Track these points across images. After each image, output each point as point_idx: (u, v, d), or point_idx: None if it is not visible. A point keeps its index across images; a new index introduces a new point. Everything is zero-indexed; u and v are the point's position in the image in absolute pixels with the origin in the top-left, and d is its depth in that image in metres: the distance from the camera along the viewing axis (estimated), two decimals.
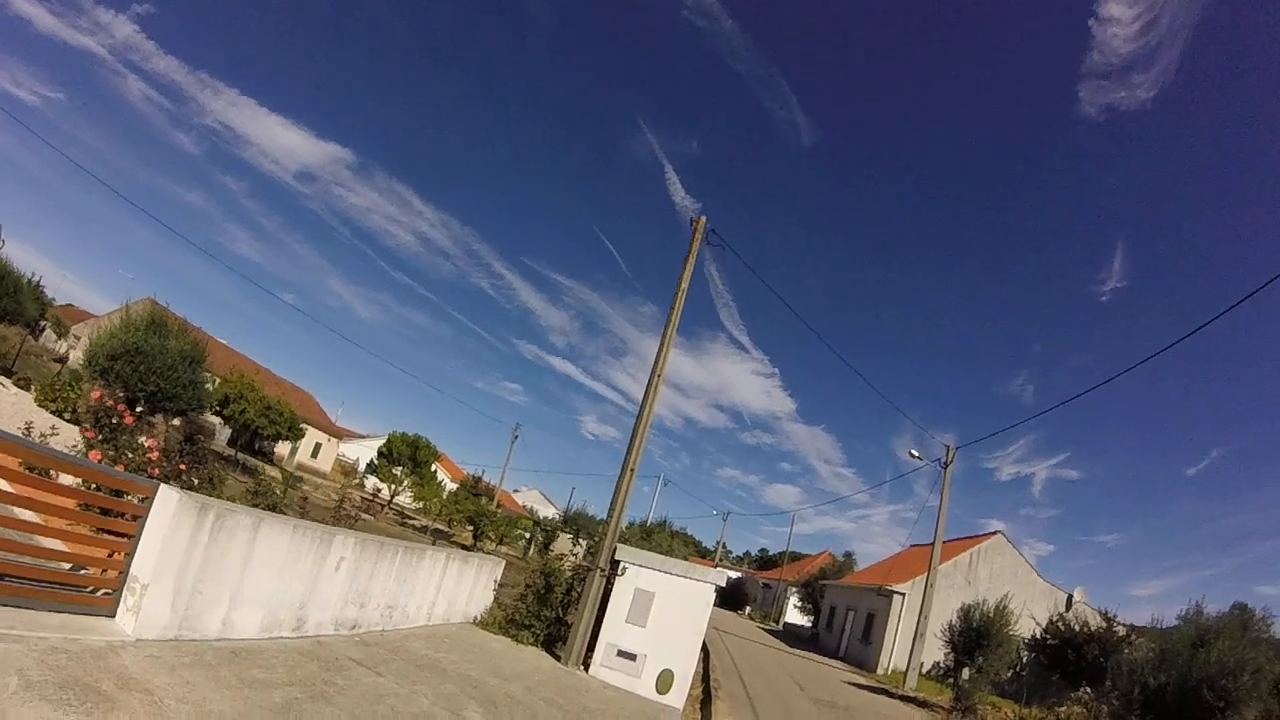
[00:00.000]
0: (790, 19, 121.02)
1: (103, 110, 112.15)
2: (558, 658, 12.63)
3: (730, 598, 56.10)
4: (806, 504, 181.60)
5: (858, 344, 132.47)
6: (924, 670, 24.75)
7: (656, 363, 14.12)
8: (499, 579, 15.03)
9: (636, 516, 37.51)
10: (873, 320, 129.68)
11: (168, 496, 6.33)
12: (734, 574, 66.48)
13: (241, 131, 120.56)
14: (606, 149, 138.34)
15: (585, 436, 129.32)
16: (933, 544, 25.47)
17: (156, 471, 9.02)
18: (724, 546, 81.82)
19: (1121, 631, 21.06)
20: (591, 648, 12.35)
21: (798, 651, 30.43)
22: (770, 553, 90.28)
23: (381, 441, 56.13)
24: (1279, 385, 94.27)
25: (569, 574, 14.01)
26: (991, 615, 19.45)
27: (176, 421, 13.31)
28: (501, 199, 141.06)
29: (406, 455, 52.80)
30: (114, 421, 11.60)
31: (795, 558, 63.38)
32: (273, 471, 45.01)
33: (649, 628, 12.13)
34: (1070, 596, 29.04)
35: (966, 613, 20.45)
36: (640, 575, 12.30)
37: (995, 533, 30.65)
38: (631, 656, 12.07)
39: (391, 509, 51.26)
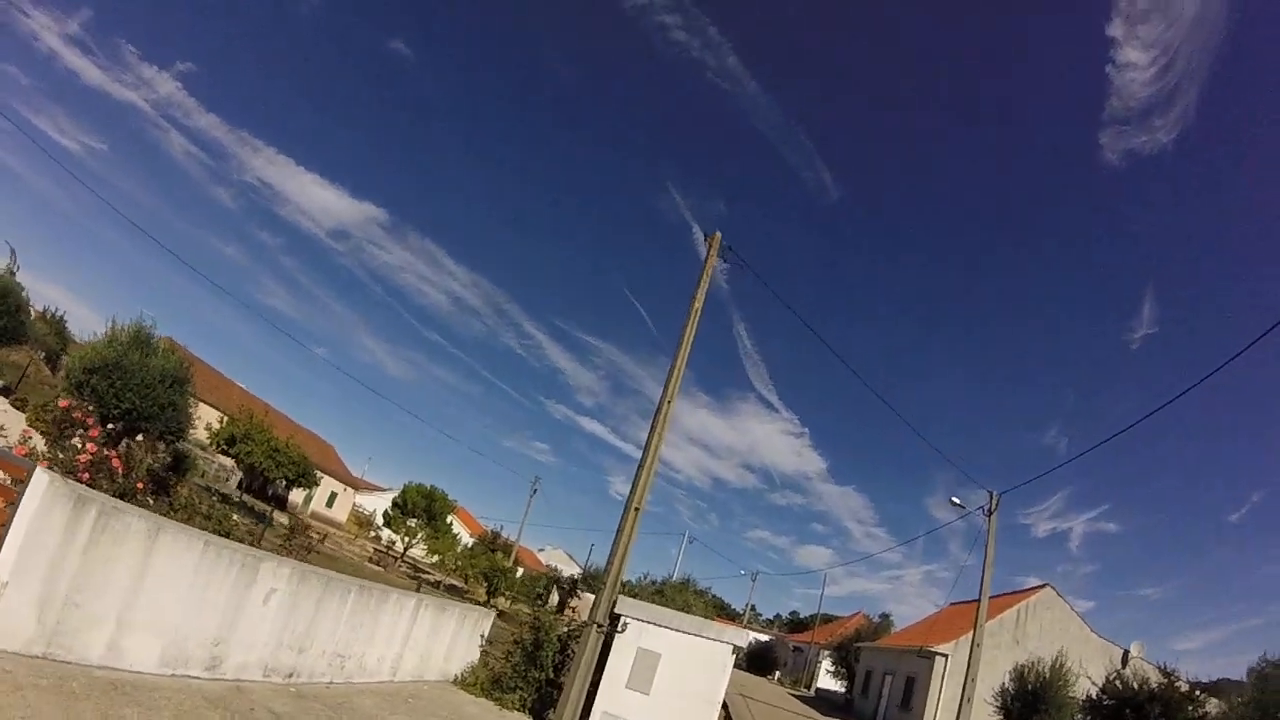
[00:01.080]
0: (812, 79, 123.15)
1: (144, 163, 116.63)
2: None
3: (759, 661, 52.90)
4: (838, 564, 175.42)
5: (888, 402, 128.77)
6: None
7: (666, 388, 12.79)
8: (487, 634, 13.46)
9: (659, 575, 35.52)
10: (902, 377, 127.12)
11: (39, 481, 5.16)
12: (763, 637, 63.05)
13: (279, 189, 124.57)
14: (635, 211, 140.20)
15: (614, 497, 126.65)
16: (978, 600, 23.23)
17: (86, 476, 7.85)
18: (753, 608, 78.31)
19: (1184, 688, 18.80)
20: (587, 716, 10.75)
21: None
22: (801, 615, 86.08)
23: (398, 493, 54.91)
24: None
25: (564, 630, 12.40)
26: (1048, 676, 17.16)
27: (133, 438, 12.26)
28: (532, 260, 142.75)
29: (421, 507, 51.36)
30: (80, 433, 10.60)
31: (827, 619, 59.86)
32: (281, 518, 44.02)
33: (654, 695, 10.46)
34: (1126, 652, 26.32)
35: (1020, 674, 18.16)
36: (645, 633, 10.70)
37: (1043, 586, 28.12)
38: None
39: (405, 562, 49.67)
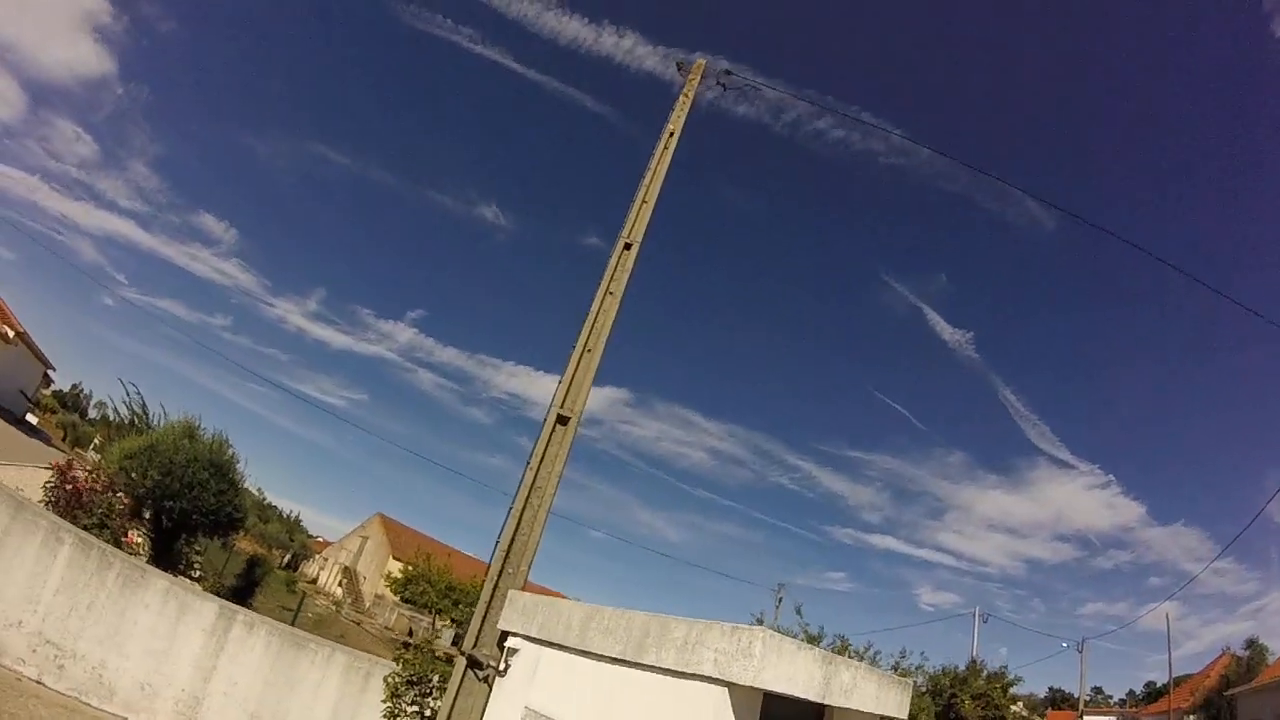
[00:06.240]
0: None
1: (399, 401, 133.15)
2: None
3: None
4: (1188, 614, 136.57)
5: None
6: None
7: (627, 225, 9.02)
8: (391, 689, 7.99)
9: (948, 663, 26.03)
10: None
11: None
12: None
13: (524, 395, 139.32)
14: (858, 311, 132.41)
15: (924, 609, 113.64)
16: None
17: None
18: (1099, 690, 62.71)
19: None
20: None
21: None
22: (1159, 684, 66.87)
23: None
24: None
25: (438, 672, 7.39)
26: None
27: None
28: (778, 394, 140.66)
29: None
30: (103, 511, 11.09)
31: (1181, 681, 44.81)
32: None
33: None
34: None
35: None
36: (540, 666, 4.92)
37: None
38: None
39: None
